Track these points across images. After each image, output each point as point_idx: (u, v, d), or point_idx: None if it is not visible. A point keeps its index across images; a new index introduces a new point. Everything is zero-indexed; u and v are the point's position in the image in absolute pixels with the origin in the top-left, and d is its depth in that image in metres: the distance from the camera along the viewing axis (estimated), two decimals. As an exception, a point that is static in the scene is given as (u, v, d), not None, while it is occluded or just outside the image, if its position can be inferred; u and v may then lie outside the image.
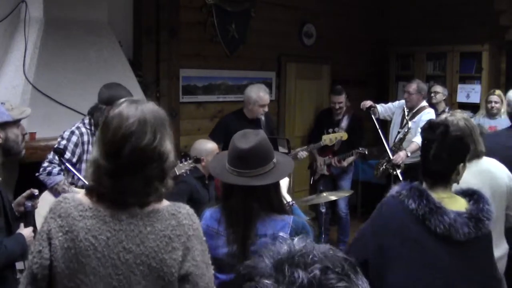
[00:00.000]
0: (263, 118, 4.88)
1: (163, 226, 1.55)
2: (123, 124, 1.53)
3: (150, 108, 1.59)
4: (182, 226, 1.56)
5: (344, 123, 5.68)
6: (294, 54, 6.47)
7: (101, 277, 1.52)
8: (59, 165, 3.26)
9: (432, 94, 5.79)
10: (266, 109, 4.78)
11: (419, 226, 2.02)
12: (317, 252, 0.83)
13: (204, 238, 1.64)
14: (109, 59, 4.37)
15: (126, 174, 1.53)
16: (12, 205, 2.60)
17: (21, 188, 3.08)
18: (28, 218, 2.56)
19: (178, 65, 5.29)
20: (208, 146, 4.14)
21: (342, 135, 5.20)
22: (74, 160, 3.33)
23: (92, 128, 3.42)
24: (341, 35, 6.86)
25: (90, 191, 1.60)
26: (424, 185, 2.15)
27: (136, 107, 1.56)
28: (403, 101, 5.44)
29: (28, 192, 2.57)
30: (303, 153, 4.96)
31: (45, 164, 3.28)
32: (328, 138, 5.11)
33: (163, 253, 1.53)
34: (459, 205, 2.09)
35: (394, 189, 2.16)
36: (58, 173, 3.26)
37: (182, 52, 5.30)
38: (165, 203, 1.62)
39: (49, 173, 3.24)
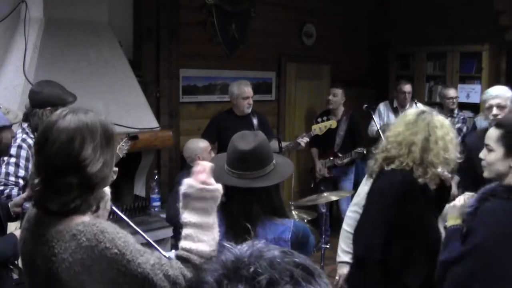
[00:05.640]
0: (255, 121, 4.90)
1: (62, 249, 1.47)
2: (49, 131, 1.53)
3: (79, 117, 1.54)
4: (83, 248, 1.45)
5: (343, 124, 5.67)
6: (294, 54, 6.46)
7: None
8: (15, 184, 2.99)
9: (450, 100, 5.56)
10: (251, 101, 4.88)
11: None
12: (263, 262, 0.79)
13: (122, 252, 1.46)
14: (109, 59, 4.37)
15: (48, 180, 1.50)
16: (9, 204, 2.60)
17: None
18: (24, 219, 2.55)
19: (178, 65, 5.28)
20: (200, 144, 4.19)
21: (331, 123, 5.18)
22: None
23: (34, 135, 3.04)
24: (341, 35, 6.85)
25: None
26: None
27: (65, 116, 1.54)
28: (384, 103, 6.09)
29: (27, 193, 2.53)
30: (303, 140, 4.97)
31: (1, 188, 2.99)
32: (318, 128, 5.11)
33: (64, 276, 1.46)
34: None
35: (483, 194, 2.07)
36: (18, 194, 2.92)
37: (182, 52, 5.29)
38: (74, 221, 1.50)
39: (9, 196, 2.92)
